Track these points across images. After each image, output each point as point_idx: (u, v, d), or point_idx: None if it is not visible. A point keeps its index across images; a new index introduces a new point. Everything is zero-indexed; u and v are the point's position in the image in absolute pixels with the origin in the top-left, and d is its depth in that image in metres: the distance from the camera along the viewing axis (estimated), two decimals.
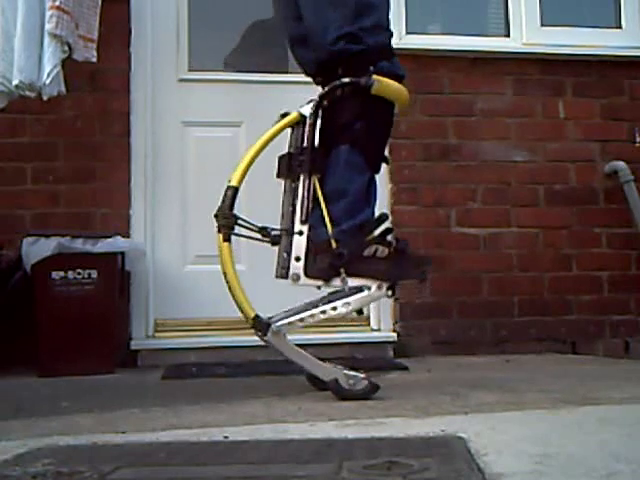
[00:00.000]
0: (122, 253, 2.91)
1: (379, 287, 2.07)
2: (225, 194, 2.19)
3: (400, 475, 1.13)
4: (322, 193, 2.10)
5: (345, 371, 2.02)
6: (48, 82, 2.76)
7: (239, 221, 2.16)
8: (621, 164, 3.55)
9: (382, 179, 3.40)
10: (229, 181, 2.21)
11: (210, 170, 3.40)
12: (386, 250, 2.12)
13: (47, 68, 2.76)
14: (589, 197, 3.58)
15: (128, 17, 3.31)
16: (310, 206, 2.09)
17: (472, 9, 3.77)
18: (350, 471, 1.17)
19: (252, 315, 2.12)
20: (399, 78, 2.19)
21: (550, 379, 2.48)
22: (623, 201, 3.53)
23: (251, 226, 2.18)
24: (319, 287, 2.12)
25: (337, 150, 2.13)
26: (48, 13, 2.76)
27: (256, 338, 3.24)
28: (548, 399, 1.94)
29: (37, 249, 2.75)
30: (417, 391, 2.13)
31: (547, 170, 3.56)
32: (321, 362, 2.07)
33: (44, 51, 2.78)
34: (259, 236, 2.19)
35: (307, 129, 2.14)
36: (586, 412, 1.74)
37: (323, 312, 2.07)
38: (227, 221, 2.14)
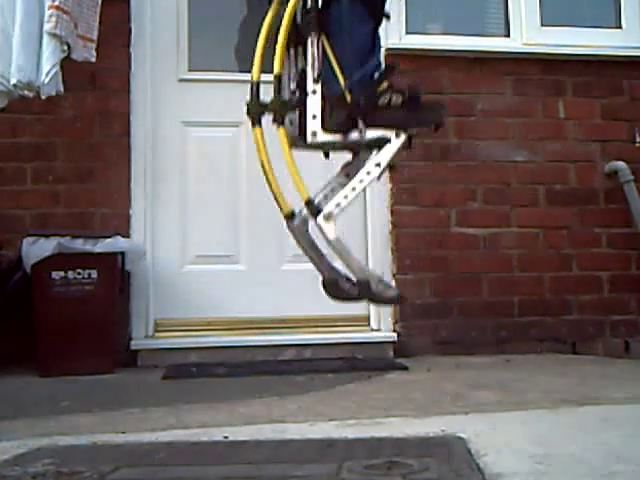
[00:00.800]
0: (122, 253, 2.91)
1: (397, 135, 2.08)
2: (250, 91, 2.29)
3: (400, 475, 1.13)
4: (330, 48, 2.12)
5: (380, 277, 2.04)
6: (47, 81, 2.75)
7: (265, 106, 2.26)
8: (621, 164, 3.55)
9: (382, 179, 3.40)
10: (251, 78, 2.28)
11: (210, 170, 3.40)
12: (400, 97, 2.11)
13: (46, 67, 2.76)
14: (589, 197, 3.58)
15: (128, 17, 3.31)
16: (321, 64, 2.11)
17: (472, 9, 3.77)
18: (350, 471, 1.17)
19: (306, 197, 2.14)
20: None
21: (550, 379, 2.48)
22: (623, 201, 3.53)
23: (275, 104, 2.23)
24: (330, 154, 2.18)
25: (339, 4, 2.15)
26: (48, 13, 2.76)
27: (256, 338, 3.26)
28: (548, 399, 1.94)
29: (37, 249, 2.75)
30: (417, 391, 2.13)
31: (547, 170, 3.56)
32: (361, 264, 2.10)
33: (43, 50, 2.78)
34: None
35: None
36: (586, 412, 1.74)
37: (361, 181, 2.09)
38: (255, 109, 2.26)
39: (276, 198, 2.20)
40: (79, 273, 2.81)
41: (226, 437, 1.53)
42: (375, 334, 3.35)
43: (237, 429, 1.61)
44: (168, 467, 1.28)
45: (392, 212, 3.38)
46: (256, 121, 2.24)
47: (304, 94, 2.15)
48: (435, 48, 3.51)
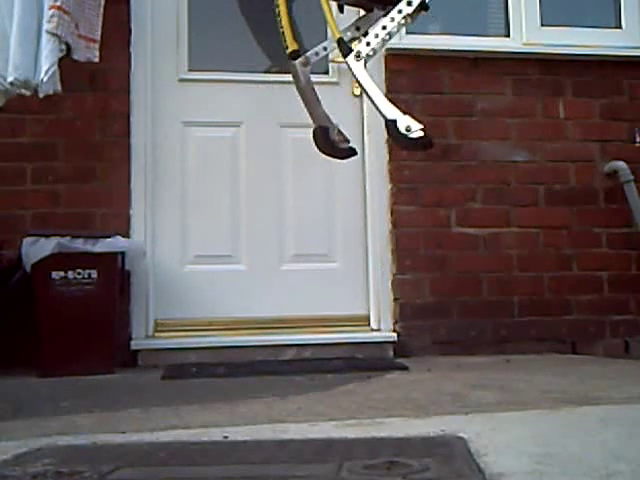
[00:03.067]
0: (122, 253, 2.92)
1: None
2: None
3: (400, 475, 1.13)
4: None
5: (408, 118, 1.98)
6: (45, 80, 2.75)
7: None
8: (621, 164, 3.55)
9: (382, 179, 3.41)
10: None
11: (210, 170, 3.40)
12: None
13: (45, 66, 2.75)
14: (589, 197, 3.58)
15: (128, 17, 3.31)
16: None
17: (472, 9, 3.77)
18: (350, 471, 1.17)
19: (338, 36, 2.08)
20: None
21: (550, 379, 2.48)
22: (623, 201, 3.53)
23: None
24: None
25: None
26: (49, 13, 2.76)
27: (256, 338, 3.26)
28: (548, 399, 1.94)
29: (37, 249, 2.75)
30: (417, 391, 2.13)
31: (547, 170, 3.56)
32: (390, 102, 2.03)
33: (42, 49, 2.78)
34: None
35: None
36: (586, 412, 1.74)
37: (392, 19, 2.04)
38: None
39: (284, 33, 2.15)
40: (79, 273, 2.81)
41: (226, 437, 1.53)
42: (375, 334, 3.35)
43: (237, 429, 1.61)
44: (168, 467, 1.28)
45: (392, 212, 3.38)
46: None
47: None
48: (435, 48, 3.52)
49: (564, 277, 3.50)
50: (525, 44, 3.61)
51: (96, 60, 2.98)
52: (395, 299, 3.35)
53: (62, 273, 2.80)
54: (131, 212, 3.24)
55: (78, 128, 3.23)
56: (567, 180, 3.57)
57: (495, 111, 3.55)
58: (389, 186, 3.41)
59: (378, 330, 3.37)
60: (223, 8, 3.56)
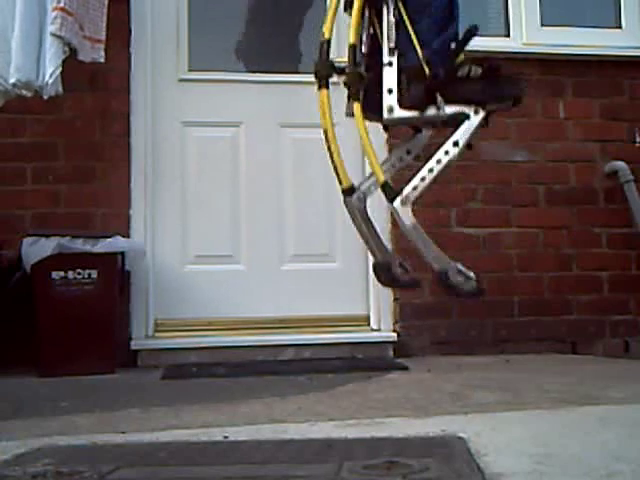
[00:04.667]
0: (122, 253, 2.92)
1: (476, 112, 2.00)
2: (320, 49, 2.10)
3: (400, 475, 1.13)
4: (407, 16, 2.01)
5: (459, 266, 1.95)
6: (51, 82, 2.76)
7: (335, 69, 2.08)
8: (621, 164, 3.55)
9: None
10: (322, 35, 2.10)
11: (210, 170, 3.40)
12: (479, 69, 2.04)
13: (50, 69, 2.76)
14: (589, 197, 3.58)
15: (128, 17, 3.30)
16: (397, 34, 2.01)
17: (472, 9, 3.77)
18: (350, 471, 1.17)
19: (382, 179, 2.02)
20: None
21: (550, 379, 2.48)
22: (623, 201, 3.53)
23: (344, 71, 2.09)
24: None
25: None
26: (52, 14, 2.76)
27: (256, 338, 3.26)
28: (548, 399, 1.94)
29: (37, 249, 2.75)
30: (417, 391, 2.13)
31: (547, 170, 3.56)
32: (441, 253, 2.01)
33: (46, 51, 2.78)
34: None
35: None
36: (586, 412, 1.74)
37: (438, 161, 1.99)
38: (324, 70, 2.08)
39: (336, 169, 2.07)
40: (79, 273, 2.81)
41: (226, 437, 1.53)
42: (375, 334, 3.35)
43: (237, 429, 1.61)
44: (168, 467, 1.28)
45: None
46: (323, 83, 2.07)
47: (376, 64, 2.03)
48: None
49: (564, 277, 3.50)
50: (525, 44, 3.61)
51: (102, 60, 2.99)
52: (395, 299, 3.35)
53: (62, 273, 2.80)
54: (131, 212, 3.24)
55: (78, 128, 3.23)
56: (567, 180, 3.57)
57: (495, 111, 3.54)
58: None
59: (378, 330, 3.37)
60: (223, 8, 3.56)
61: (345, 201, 2.11)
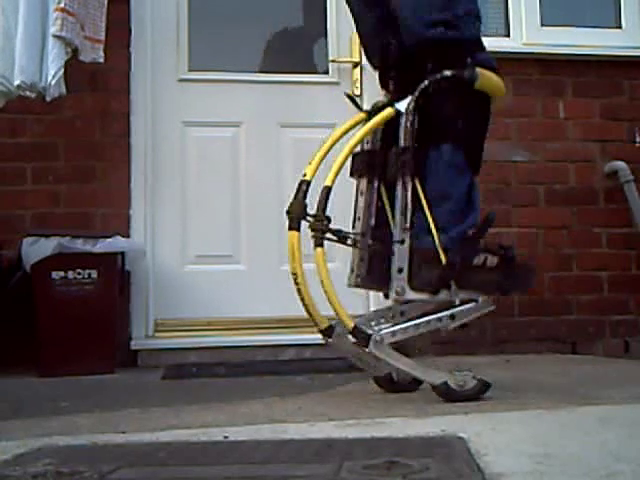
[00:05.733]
0: (122, 253, 2.91)
1: (486, 300, 1.96)
2: (299, 188, 2.00)
3: (400, 475, 1.13)
4: (424, 196, 1.95)
5: (455, 372, 1.90)
6: (53, 83, 2.76)
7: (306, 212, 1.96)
8: (621, 164, 3.55)
9: None
10: (304, 175, 2.01)
11: (210, 170, 3.40)
12: (495, 259, 2.00)
13: (52, 70, 2.76)
14: (589, 197, 3.58)
15: (128, 17, 3.31)
16: (412, 212, 1.94)
17: None
18: (350, 471, 1.17)
19: (351, 325, 1.93)
20: (495, 70, 2.04)
21: (550, 379, 2.48)
22: (623, 201, 3.53)
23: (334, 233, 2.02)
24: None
25: (438, 149, 1.98)
26: (53, 15, 2.77)
27: (256, 338, 3.26)
28: (548, 399, 1.93)
29: (37, 249, 2.75)
30: (417, 391, 2.13)
31: (547, 170, 3.56)
32: (429, 367, 1.97)
33: (48, 52, 2.78)
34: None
35: (407, 126, 1.94)
36: (586, 412, 1.74)
37: (428, 322, 1.94)
38: (298, 210, 1.98)
39: (309, 312, 2.00)
40: (79, 273, 2.81)
41: (226, 437, 1.53)
42: None
43: (237, 429, 1.61)
44: (168, 467, 1.28)
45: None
46: (294, 224, 1.99)
47: (384, 236, 1.99)
48: None
49: (564, 277, 3.50)
50: (525, 44, 3.61)
51: (101, 61, 2.99)
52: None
53: (62, 273, 2.79)
54: (131, 212, 3.24)
55: (78, 128, 3.23)
56: (567, 180, 3.57)
57: (495, 111, 3.54)
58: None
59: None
60: (223, 8, 3.56)
61: (327, 343, 2.03)
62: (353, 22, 2.26)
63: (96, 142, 3.24)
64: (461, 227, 2.00)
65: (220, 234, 3.37)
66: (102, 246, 2.82)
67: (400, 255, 1.93)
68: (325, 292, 1.94)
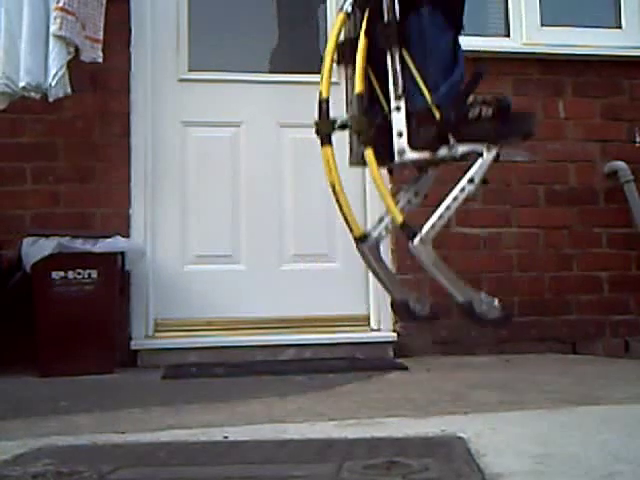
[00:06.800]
0: (122, 253, 2.91)
1: (489, 149, 2.02)
2: (320, 108, 2.15)
3: (400, 475, 1.13)
4: (412, 61, 2.05)
5: (482, 295, 1.97)
6: (54, 84, 2.76)
7: (336, 125, 2.13)
8: (621, 164, 3.55)
9: (382, 179, 3.40)
10: (320, 94, 2.17)
11: (210, 170, 3.40)
12: (490, 109, 2.06)
13: (52, 70, 2.76)
14: (589, 197, 3.58)
15: (128, 17, 3.30)
16: (403, 79, 2.04)
17: (472, 9, 3.75)
18: (350, 471, 1.17)
19: (400, 219, 2.05)
20: None
21: (550, 379, 2.48)
22: (623, 201, 3.53)
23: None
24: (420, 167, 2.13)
25: (418, 15, 2.09)
26: (53, 14, 2.77)
27: (256, 338, 3.26)
28: (548, 399, 1.94)
29: (37, 249, 2.75)
30: (417, 391, 2.13)
31: (547, 170, 3.56)
32: (461, 281, 2.03)
33: (49, 52, 2.78)
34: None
35: (388, 2, 2.06)
36: (586, 412, 1.74)
37: (455, 199, 2.04)
38: (326, 127, 2.13)
39: (347, 220, 2.12)
40: (79, 273, 2.81)
41: (226, 437, 1.53)
42: (375, 334, 3.35)
43: (237, 429, 1.61)
44: (168, 467, 1.28)
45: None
46: (326, 140, 2.13)
47: (376, 114, 2.08)
48: None
49: (564, 277, 3.50)
50: (525, 44, 3.61)
51: (100, 60, 3.00)
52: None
53: (62, 273, 2.79)
54: (131, 212, 3.24)
55: (78, 128, 3.23)
56: (567, 180, 3.57)
57: None
58: (389, 186, 3.40)
59: (378, 330, 3.36)
60: (223, 8, 3.56)
61: (358, 248, 2.15)
62: None
63: (96, 142, 3.24)
64: (450, 83, 2.09)
65: (220, 234, 3.37)
66: (102, 246, 2.82)
67: (397, 120, 2.03)
68: (378, 188, 2.09)
